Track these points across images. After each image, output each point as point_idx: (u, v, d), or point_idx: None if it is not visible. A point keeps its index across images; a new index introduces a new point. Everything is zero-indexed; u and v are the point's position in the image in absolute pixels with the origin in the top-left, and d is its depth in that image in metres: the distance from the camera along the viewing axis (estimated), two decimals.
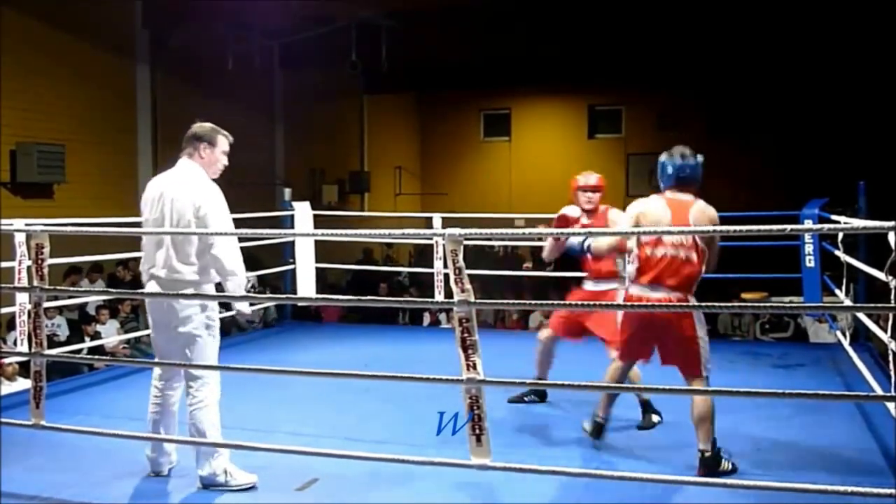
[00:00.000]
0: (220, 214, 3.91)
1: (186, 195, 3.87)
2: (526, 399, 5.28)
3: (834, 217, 6.30)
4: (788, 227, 3.41)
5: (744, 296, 10.15)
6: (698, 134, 17.32)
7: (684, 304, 3.90)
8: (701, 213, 3.98)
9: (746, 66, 15.15)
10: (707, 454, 3.81)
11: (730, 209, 8.14)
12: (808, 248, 6.67)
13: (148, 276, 3.91)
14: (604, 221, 5.03)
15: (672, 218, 3.94)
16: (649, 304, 3.93)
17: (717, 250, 4.03)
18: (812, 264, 6.68)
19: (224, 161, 4.18)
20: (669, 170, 4.07)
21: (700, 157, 4.12)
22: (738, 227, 3.16)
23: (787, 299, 8.90)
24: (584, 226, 4.98)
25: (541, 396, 5.34)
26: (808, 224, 6.45)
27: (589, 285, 5.07)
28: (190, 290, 3.81)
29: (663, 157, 4.15)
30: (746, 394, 3.09)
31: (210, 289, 3.92)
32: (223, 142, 4.14)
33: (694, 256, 3.92)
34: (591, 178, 5.13)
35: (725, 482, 3.32)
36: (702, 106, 17.08)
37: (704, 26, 13.42)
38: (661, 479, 3.42)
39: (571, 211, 4.97)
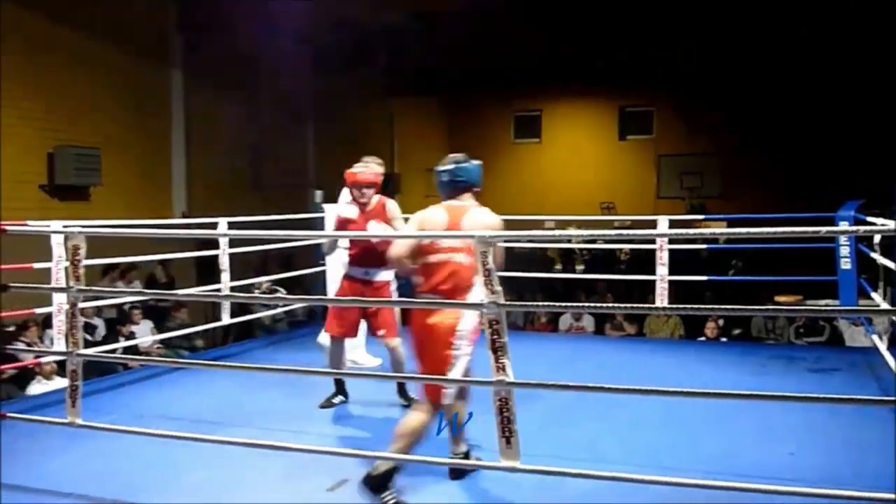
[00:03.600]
0: None
1: None
2: (335, 401, 5.31)
3: (870, 219, 6.21)
4: (823, 228, 3.37)
5: (778, 299, 10.04)
6: (731, 135, 17.21)
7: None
8: (475, 220, 3.73)
9: (779, 66, 14.99)
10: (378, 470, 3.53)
11: (762, 211, 8.11)
12: (844, 251, 6.57)
13: None
14: (383, 215, 5.06)
15: (448, 225, 3.75)
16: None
17: (501, 259, 3.63)
18: (848, 267, 6.58)
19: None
20: (443, 177, 3.85)
21: (474, 162, 3.89)
22: (772, 229, 3.13)
23: (822, 302, 8.78)
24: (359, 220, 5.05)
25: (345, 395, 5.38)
26: (844, 226, 6.36)
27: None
28: None
29: (437, 167, 3.90)
30: (774, 398, 3.06)
31: None
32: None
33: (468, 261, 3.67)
34: (368, 172, 5.06)
35: (738, 486, 3.28)
36: (734, 107, 16.91)
37: (737, 27, 13.33)
38: (687, 483, 3.39)
39: (347, 211, 5.12)
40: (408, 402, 5.02)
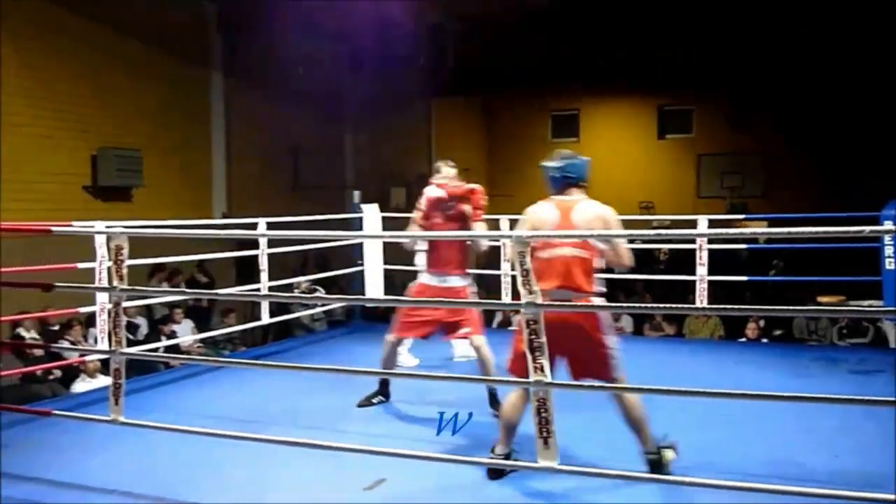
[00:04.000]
0: None
1: None
2: (374, 401, 5.27)
3: None
4: (867, 228, 3.31)
5: (820, 299, 9.87)
6: (772, 134, 16.97)
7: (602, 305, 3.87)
8: (586, 212, 3.89)
9: (821, 65, 14.74)
10: (653, 457, 3.78)
11: (805, 210, 7.99)
12: (889, 251, 6.45)
13: None
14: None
15: (558, 220, 3.89)
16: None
17: (623, 250, 3.87)
18: (892, 266, 6.45)
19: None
20: (553, 173, 4.01)
21: (582, 157, 4.05)
22: (814, 229, 3.08)
23: (866, 303, 8.61)
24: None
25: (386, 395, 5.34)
26: (889, 225, 6.25)
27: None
28: None
29: (545, 163, 4.06)
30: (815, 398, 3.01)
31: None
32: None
33: (585, 254, 3.82)
34: (452, 187, 5.01)
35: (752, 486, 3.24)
36: (774, 106, 16.68)
37: (779, 26, 13.13)
38: (727, 486, 3.35)
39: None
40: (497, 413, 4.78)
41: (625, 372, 3.86)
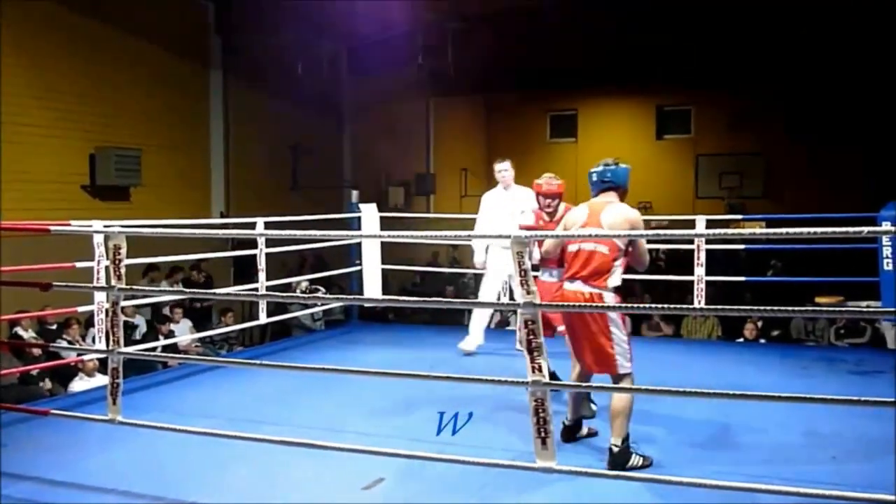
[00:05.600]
0: None
1: None
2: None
3: None
4: (865, 228, 3.30)
5: (819, 300, 9.88)
6: (774, 134, 16.98)
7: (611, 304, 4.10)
8: (614, 213, 4.15)
9: (820, 65, 14.76)
10: (616, 449, 3.97)
11: (806, 211, 7.99)
12: (886, 251, 6.45)
13: None
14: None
15: (587, 219, 4.21)
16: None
17: (643, 250, 4.19)
18: (890, 267, 6.46)
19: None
20: (593, 177, 4.33)
21: (623, 165, 4.35)
22: (813, 230, 3.08)
23: (864, 304, 8.62)
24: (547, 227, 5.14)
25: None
26: (886, 226, 6.25)
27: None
28: None
29: (591, 169, 4.39)
30: (810, 399, 3.01)
31: None
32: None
33: (605, 249, 4.09)
34: (554, 184, 5.29)
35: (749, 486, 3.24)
36: (776, 106, 16.69)
37: (775, 25, 13.13)
38: (726, 486, 3.35)
39: (527, 219, 5.25)
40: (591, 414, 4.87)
41: (632, 365, 4.07)
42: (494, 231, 6.23)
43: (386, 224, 8.45)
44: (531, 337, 3.21)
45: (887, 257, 6.44)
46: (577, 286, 4.11)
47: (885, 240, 6.36)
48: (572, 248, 4.21)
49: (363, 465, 3.93)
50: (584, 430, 4.48)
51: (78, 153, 10.02)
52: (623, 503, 3.62)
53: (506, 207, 6.61)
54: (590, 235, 4.10)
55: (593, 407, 4.93)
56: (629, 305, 8.89)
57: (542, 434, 3.21)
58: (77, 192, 10.01)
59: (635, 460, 4.00)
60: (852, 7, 12.16)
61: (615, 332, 4.01)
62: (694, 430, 4.67)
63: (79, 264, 5.63)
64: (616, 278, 4.09)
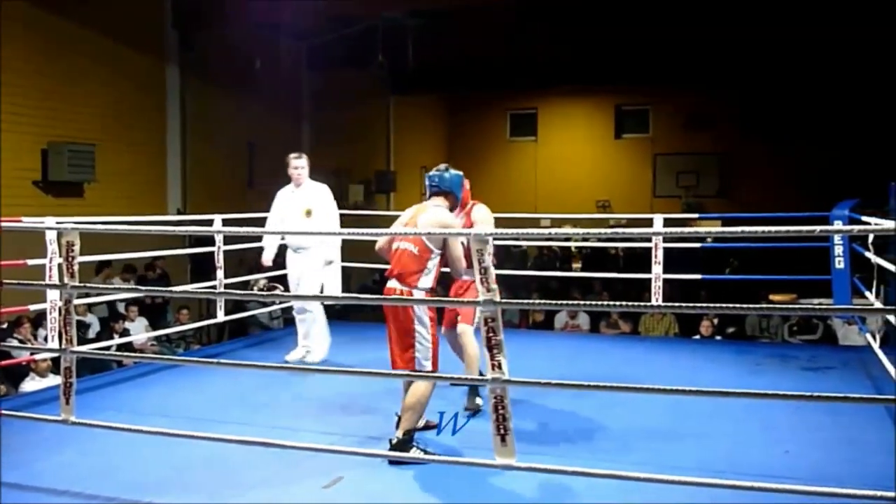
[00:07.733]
0: None
1: None
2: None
3: (864, 218, 6.22)
4: (818, 228, 3.37)
5: (773, 297, 10.06)
6: (729, 134, 17.25)
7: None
8: (430, 215, 4.33)
9: (777, 65, 15.00)
10: (395, 440, 4.08)
11: (760, 210, 8.12)
12: (838, 250, 6.58)
13: None
14: (468, 220, 5.14)
15: (409, 219, 4.42)
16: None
17: (456, 255, 4.27)
18: (842, 266, 6.59)
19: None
20: (426, 181, 4.58)
21: (454, 172, 4.54)
22: (766, 228, 3.12)
23: (816, 301, 8.80)
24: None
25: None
26: (838, 225, 6.37)
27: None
28: None
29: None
30: (773, 396, 3.06)
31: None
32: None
33: (415, 249, 4.26)
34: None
35: (743, 484, 3.29)
36: (732, 106, 16.96)
37: (733, 26, 13.31)
38: (693, 482, 3.39)
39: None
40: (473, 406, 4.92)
41: (432, 362, 4.19)
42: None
43: (346, 222, 8.39)
44: (490, 335, 3.21)
45: (839, 256, 6.57)
46: (393, 284, 4.30)
47: (837, 239, 6.48)
48: (394, 245, 4.40)
49: (323, 464, 3.91)
50: (422, 423, 4.43)
51: (30, 148, 9.82)
52: (583, 503, 3.64)
53: (297, 206, 6.45)
54: (404, 234, 4.32)
55: (478, 401, 4.91)
56: (577, 303, 8.95)
57: (502, 431, 3.22)
58: (29, 187, 9.80)
59: (415, 453, 4.04)
60: (808, 8, 12.37)
61: (420, 330, 4.17)
62: (652, 425, 4.71)
63: (31, 262, 5.52)
64: (428, 280, 4.26)
